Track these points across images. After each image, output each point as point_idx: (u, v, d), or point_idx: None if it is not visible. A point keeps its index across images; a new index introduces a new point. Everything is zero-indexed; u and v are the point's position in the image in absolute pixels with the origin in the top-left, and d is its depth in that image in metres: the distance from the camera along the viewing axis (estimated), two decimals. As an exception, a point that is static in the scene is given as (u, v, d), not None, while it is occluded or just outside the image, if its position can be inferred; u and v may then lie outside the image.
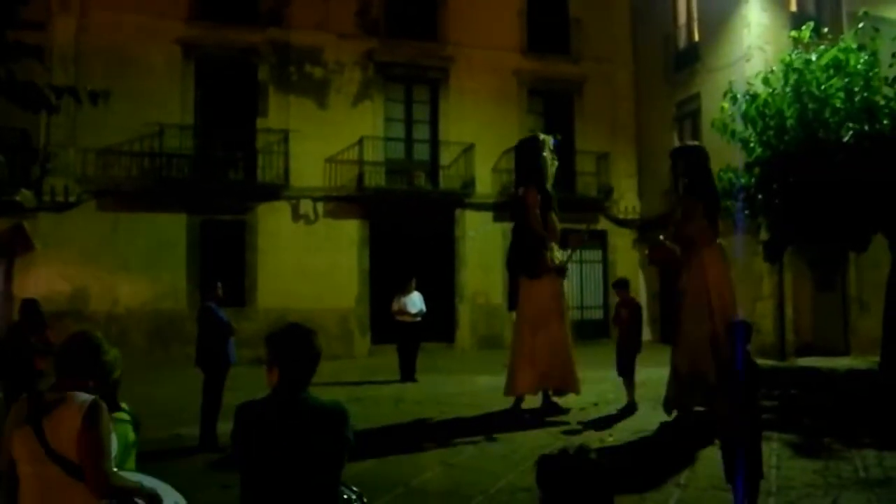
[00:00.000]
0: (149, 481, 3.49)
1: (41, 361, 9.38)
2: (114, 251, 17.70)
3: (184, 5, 18.98)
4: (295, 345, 3.18)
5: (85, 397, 3.16)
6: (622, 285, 11.77)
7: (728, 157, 15.21)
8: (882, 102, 13.04)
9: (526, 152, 12.02)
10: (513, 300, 12.03)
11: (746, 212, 14.44)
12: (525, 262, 11.38)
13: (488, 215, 21.32)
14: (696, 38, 21.07)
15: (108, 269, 17.60)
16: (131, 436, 3.70)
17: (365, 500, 3.61)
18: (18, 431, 3.15)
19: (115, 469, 3.24)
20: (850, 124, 12.50)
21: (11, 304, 16.15)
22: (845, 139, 12.38)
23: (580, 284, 22.19)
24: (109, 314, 17.23)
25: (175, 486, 3.78)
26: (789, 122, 13.44)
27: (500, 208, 21.24)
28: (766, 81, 14.01)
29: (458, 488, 7.12)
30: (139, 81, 18.05)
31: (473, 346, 20.69)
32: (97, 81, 15.13)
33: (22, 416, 3.17)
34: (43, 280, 16.97)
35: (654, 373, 11.77)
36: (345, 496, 3.39)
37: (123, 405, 3.70)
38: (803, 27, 14.00)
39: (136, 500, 3.32)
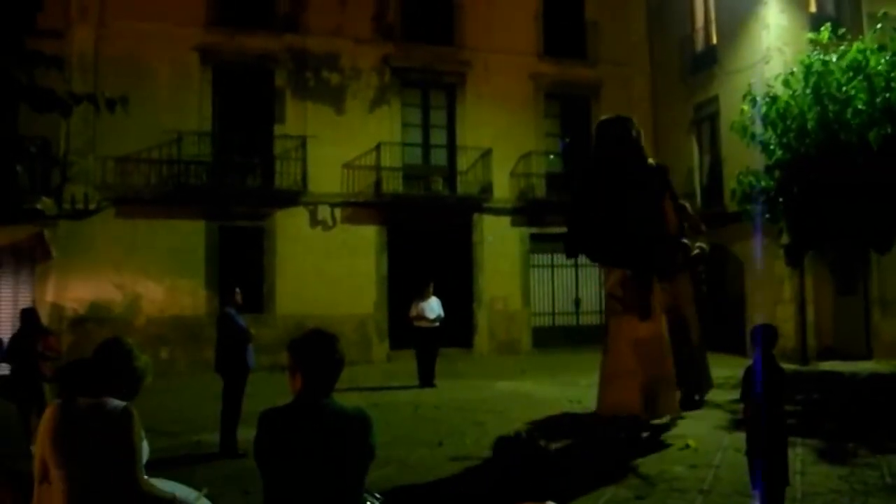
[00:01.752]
0: (181, 489, 3.48)
1: (46, 367, 9.49)
2: (133, 258, 17.76)
3: (201, 12, 19.05)
4: (319, 351, 3.17)
5: (117, 404, 3.17)
6: None
7: (748, 160, 15.14)
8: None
9: (634, 133, 10.22)
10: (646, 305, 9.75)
11: (767, 215, 14.33)
12: (664, 260, 9.79)
13: (506, 220, 21.27)
14: (714, 40, 20.94)
15: (128, 276, 17.68)
16: None
17: None
18: (50, 436, 3.16)
19: (145, 476, 3.24)
20: (875, 129, 12.31)
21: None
22: (872, 141, 12.19)
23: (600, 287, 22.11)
24: (128, 321, 17.29)
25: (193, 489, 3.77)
26: (810, 125, 13.32)
27: (518, 213, 21.26)
28: (786, 83, 13.91)
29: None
30: (157, 89, 18.17)
31: (492, 352, 20.63)
32: (116, 89, 15.17)
33: (54, 422, 3.18)
34: (63, 287, 17.09)
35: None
36: (368, 503, 3.37)
37: None
38: (821, 29, 13.90)
39: None
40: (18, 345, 9.70)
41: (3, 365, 9.81)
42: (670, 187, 10.30)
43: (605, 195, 9.61)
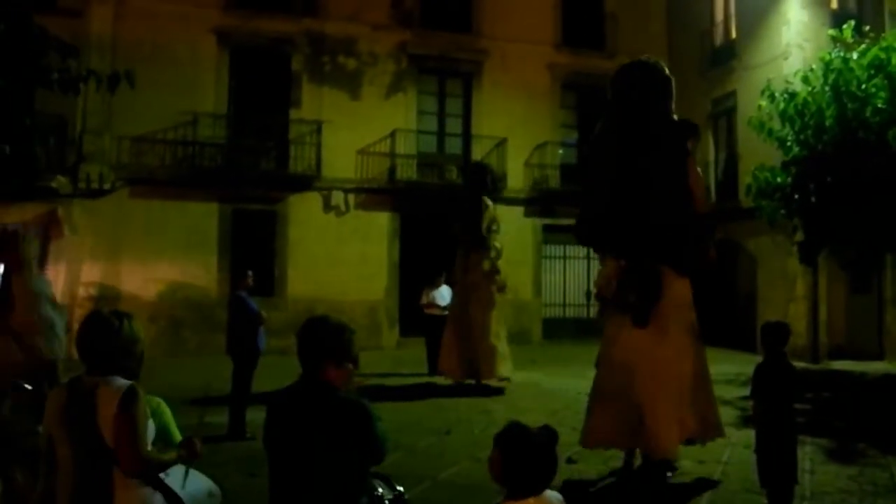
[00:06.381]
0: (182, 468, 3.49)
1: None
2: (146, 238, 17.81)
3: (219, -6, 19.06)
4: (315, 337, 3.16)
5: (122, 382, 3.16)
6: None
7: (764, 156, 15.03)
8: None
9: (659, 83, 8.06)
10: None
11: (782, 212, 14.23)
12: (678, 245, 7.42)
13: (519, 210, 21.21)
14: (734, 35, 20.78)
15: (141, 256, 17.71)
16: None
17: (406, 496, 3.55)
18: (56, 415, 3.16)
19: (149, 451, 3.23)
20: (895, 128, 12.16)
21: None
22: (891, 140, 12.04)
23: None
24: (140, 301, 17.30)
25: (201, 473, 3.79)
26: (828, 122, 13.20)
27: (532, 203, 21.20)
28: (805, 80, 13.78)
29: (486, 482, 7.05)
30: (174, 70, 18.16)
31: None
32: (133, 69, 15.21)
33: (61, 400, 3.18)
34: (75, 266, 17.14)
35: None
36: (377, 492, 3.34)
37: None
38: (844, 26, 13.75)
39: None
40: None
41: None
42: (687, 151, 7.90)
43: (617, 163, 7.63)
